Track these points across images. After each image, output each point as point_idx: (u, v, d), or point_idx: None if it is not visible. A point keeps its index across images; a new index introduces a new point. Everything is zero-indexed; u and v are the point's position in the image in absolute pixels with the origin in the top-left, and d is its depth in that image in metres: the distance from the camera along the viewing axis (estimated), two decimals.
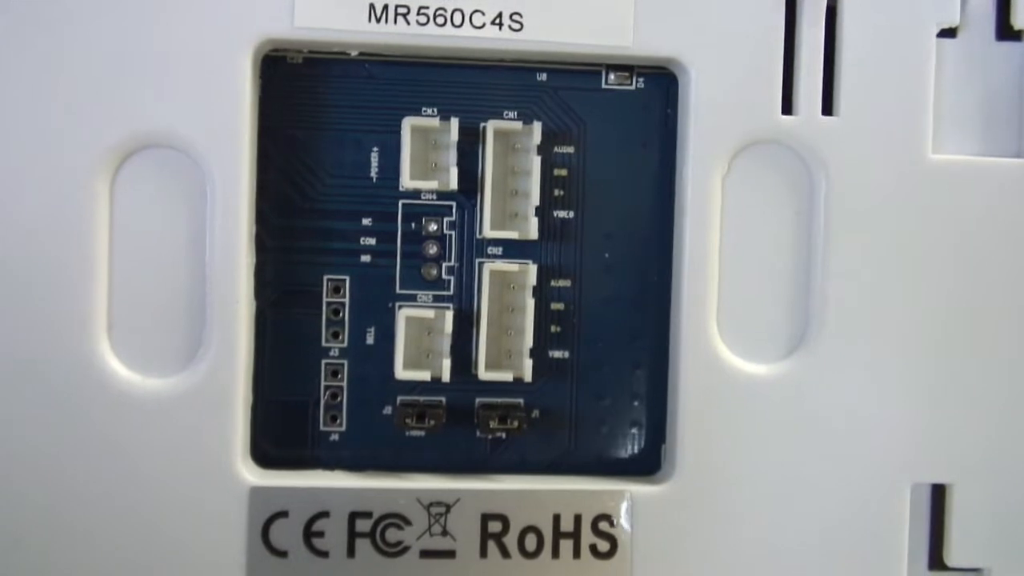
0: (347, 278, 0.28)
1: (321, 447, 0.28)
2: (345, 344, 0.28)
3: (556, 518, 0.28)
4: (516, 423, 0.28)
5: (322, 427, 0.28)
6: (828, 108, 0.28)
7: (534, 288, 0.28)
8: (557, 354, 0.29)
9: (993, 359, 0.28)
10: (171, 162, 0.27)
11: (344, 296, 0.28)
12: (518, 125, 0.28)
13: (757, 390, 0.28)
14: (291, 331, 0.28)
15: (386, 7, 0.27)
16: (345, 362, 0.28)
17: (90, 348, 0.26)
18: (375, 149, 0.28)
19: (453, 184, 0.27)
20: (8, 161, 0.26)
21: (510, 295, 0.28)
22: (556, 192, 0.28)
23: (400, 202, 0.28)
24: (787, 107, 0.28)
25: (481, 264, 0.28)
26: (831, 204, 0.28)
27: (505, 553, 0.28)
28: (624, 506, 0.28)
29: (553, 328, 0.29)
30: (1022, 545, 0.29)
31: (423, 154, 0.28)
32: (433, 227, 0.28)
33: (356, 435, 0.28)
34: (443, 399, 0.29)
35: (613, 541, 0.28)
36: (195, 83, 0.26)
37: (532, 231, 0.28)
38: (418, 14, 0.27)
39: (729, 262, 0.28)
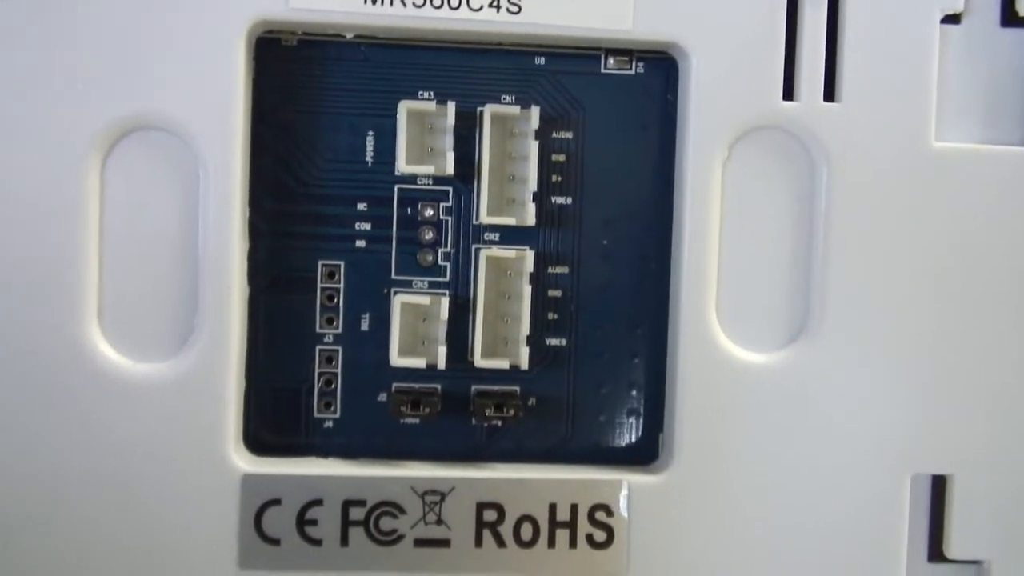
0: (342, 263, 0.28)
1: (315, 434, 0.28)
2: (340, 330, 0.28)
3: (552, 507, 0.28)
4: (512, 411, 0.28)
5: (316, 414, 0.28)
6: (830, 94, 0.27)
7: (531, 275, 0.28)
8: (554, 341, 0.28)
9: (995, 349, 0.28)
10: (163, 145, 0.26)
11: (339, 282, 0.28)
12: (516, 110, 0.27)
13: (756, 379, 0.28)
14: (285, 317, 0.28)
15: None
16: (340, 348, 0.28)
17: (81, 333, 0.26)
18: (371, 133, 0.28)
19: (450, 169, 0.27)
20: None
21: (507, 282, 0.28)
22: (554, 178, 0.28)
23: (396, 187, 0.28)
24: (788, 93, 0.27)
25: (478, 250, 0.28)
26: (832, 191, 0.27)
27: (500, 542, 0.27)
28: (621, 495, 0.28)
29: (550, 315, 0.28)
30: (1022, 536, 0.29)
31: (419, 138, 0.27)
32: (429, 212, 0.28)
33: (350, 422, 0.28)
34: (438, 386, 0.28)
35: (610, 531, 0.28)
36: (188, 65, 0.26)
37: (530, 217, 0.27)
38: None
39: (729, 250, 0.28)
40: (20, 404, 0.26)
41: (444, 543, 0.27)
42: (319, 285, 0.28)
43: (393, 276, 0.28)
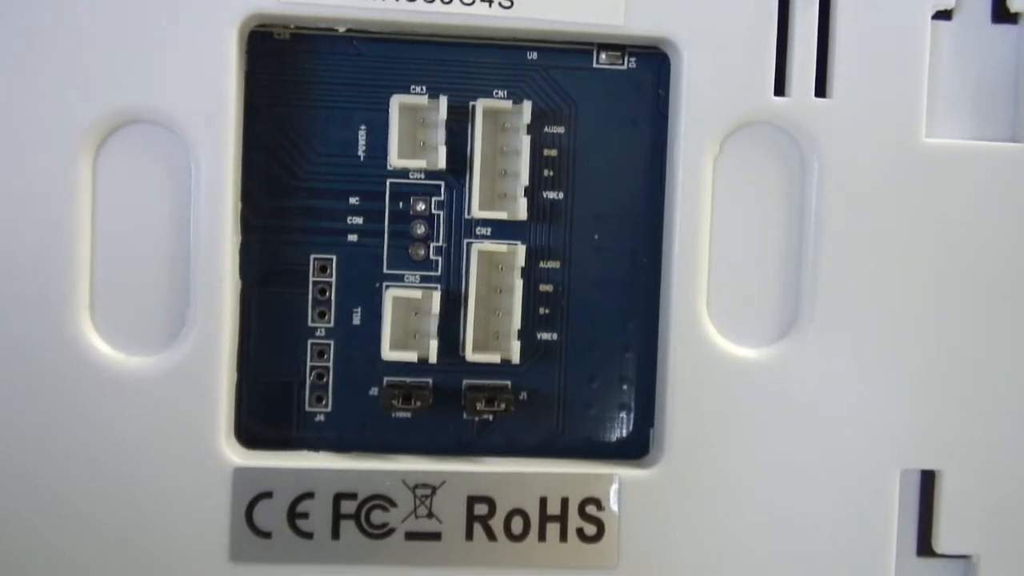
0: (334, 257, 0.28)
1: (306, 428, 0.28)
2: (331, 324, 0.28)
3: (543, 501, 0.28)
4: (503, 405, 0.28)
5: (308, 407, 0.28)
6: (821, 90, 0.27)
7: (523, 269, 0.28)
8: (545, 336, 0.29)
9: (984, 345, 0.28)
10: (155, 138, 0.26)
11: (331, 276, 0.28)
12: (508, 104, 0.27)
13: (747, 374, 0.28)
14: (277, 310, 0.28)
15: None
16: (331, 342, 0.28)
17: (73, 326, 0.26)
18: (363, 127, 0.28)
19: (441, 163, 0.27)
20: None
21: (498, 276, 0.28)
22: (546, 172, 0.28)
23: (388, 181, 0.28)
24: (780, 88, 0.27)
25: (469, 244, 0.28)
26: (823, 187, 0.27)
27: (491, 536, 0.27)
28: (612, 489, 0.28)
29: (542, 310, 0.28)
30: (1010, 531, 0.29)
31: (411, 132, 0.27)
32: (421, 207, 0.28)
33: (342, 416, 0.28)
34: (430, 380, 0.28)
35: (600, 524, 0.28)
36: (180, 58, 0.26)
37: (521, 211, 0.27)
38: None
39: (720, 245, 0.28)
40: (11, 397, 0.26)
41: (435, 536, 0.27)
42: (311, 279, 0.28)
43: (385, 270, 0.28)
